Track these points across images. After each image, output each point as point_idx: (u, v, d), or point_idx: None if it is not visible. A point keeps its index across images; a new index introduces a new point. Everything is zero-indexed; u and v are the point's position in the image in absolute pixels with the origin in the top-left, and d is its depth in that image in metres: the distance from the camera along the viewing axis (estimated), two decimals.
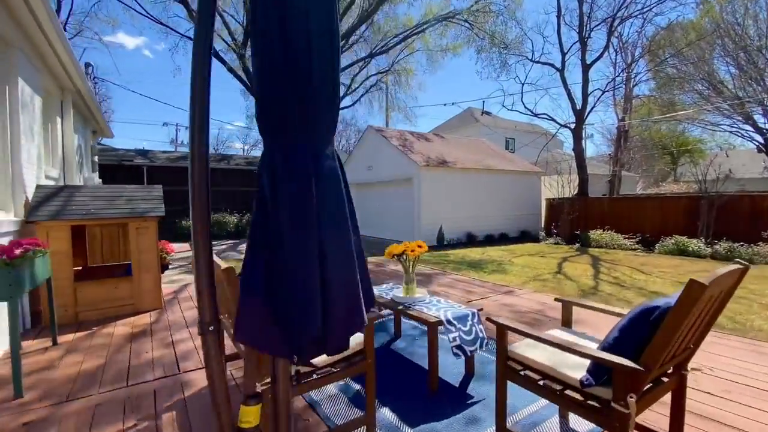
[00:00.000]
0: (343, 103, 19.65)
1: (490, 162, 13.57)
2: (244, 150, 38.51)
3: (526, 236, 13.49)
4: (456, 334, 2.50)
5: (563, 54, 13.74)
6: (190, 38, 15.58)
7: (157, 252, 4.46)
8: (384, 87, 20.88)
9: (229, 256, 9.61)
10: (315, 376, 1.77)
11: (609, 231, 11.15)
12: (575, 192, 13.53)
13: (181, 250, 10.75)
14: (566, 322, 2.16)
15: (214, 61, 15.63)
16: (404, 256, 2.87)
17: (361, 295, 1.20)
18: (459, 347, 2.44)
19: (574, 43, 13.69)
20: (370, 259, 8.71)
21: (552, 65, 14.29)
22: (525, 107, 14.98)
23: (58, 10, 14.06)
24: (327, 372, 1.80)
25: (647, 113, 19.39)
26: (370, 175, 13.57)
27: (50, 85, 5.33)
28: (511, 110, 15.14)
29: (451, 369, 2.69)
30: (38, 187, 4.19)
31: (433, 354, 2.41)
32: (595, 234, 11.23)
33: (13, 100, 3.90)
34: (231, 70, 15.74)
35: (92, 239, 4.88)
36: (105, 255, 4.96)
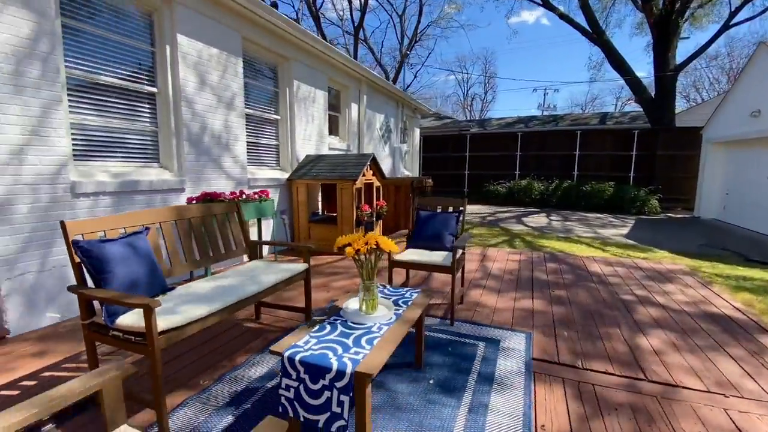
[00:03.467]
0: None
1: None
2: (616, 106, 33.16)
3: None
4: (295, 383, 1.56)
5: None
6: None
7: (353, 208, 5.36)
8: None
9: (486, 225, 9.36)
10: None
11: None
12: None
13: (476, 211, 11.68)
14: None
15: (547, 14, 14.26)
16: (358, 254, 1.99)
17: None
18: (290, 401, 1.52)
19: None
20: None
21: None
22: None
23: (420, 14, 17.83)
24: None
25: None
26: (754, 125, 8.19)
27: (344, 80, 7.35)
28: None
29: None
30: (306, 156, 6.16)
31: None
32: None
33: (291, 97, 5.88)
34: (563, 16, 14.02)
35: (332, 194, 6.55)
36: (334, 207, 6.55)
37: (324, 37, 16.67)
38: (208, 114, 4.38)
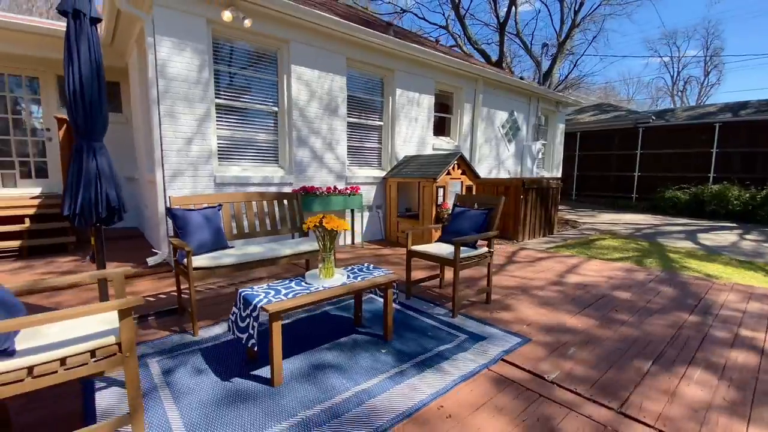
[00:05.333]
0: None
1: None
2: None
3: None
4: (236, 311, 2.18)
5: None
6: None
7: (433, 205, 5.65)
8: None
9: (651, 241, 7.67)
10: None
11: None
12: None
13: (637, 222, 9.87)
14: None
15: None
16: (319, 229, 2.49)
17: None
18: (232, 322, 2.17)
19: None
20: None
21: None
22: None
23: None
24: None
25: None
26: None
27: (455, 82, 7.54)
28: None
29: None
30: (404, 156, 6.74)
31: None
32: None
33: (393, 104, 6.58)
34: None
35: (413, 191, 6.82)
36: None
37: (469, 38, 16.71)
38: (314, 125, 5.53)
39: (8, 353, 1.42)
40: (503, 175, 9.13)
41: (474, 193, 6.40)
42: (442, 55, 6.96)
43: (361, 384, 2.13)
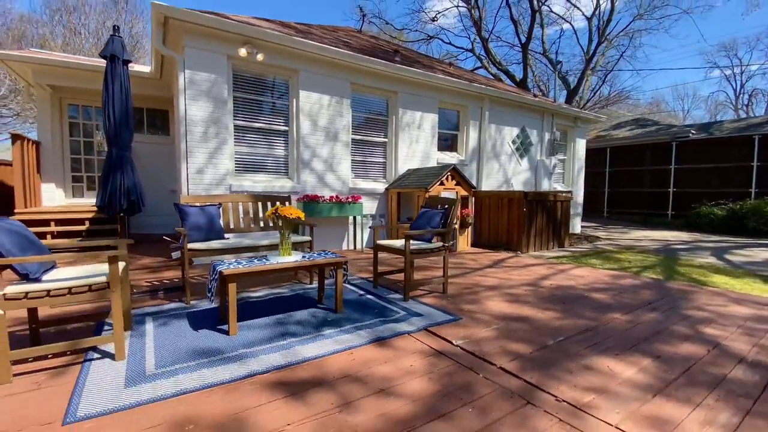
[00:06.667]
0: None
1: None
2: None
3: None
4: (210, 276, 2.80)
5: None
6: None
7: None
8: None
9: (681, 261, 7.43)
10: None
11: None
12: None
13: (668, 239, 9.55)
14: None
15: None
16: (277, 218, 3.08)
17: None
18: (207, 284, 2.77)
19: None
20: None
21: None
22: None
23: (612, 12, 14.98)
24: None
25: None
26: None
27: (460, 101, 8.02)
28: None
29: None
30: (407, 169, 7.26)
31: None
32: None
33: (396, 122, 7.18)
34: None
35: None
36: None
37: (493, 59, 17.06)
38: (320, 142, 6.27)
39: (37, 280, 2.14)
40: (514, 189, 9.29)
41: (473, 203, 6.72)
42: (444, 76, 7.51)
43: (297, 337, 2.64)
